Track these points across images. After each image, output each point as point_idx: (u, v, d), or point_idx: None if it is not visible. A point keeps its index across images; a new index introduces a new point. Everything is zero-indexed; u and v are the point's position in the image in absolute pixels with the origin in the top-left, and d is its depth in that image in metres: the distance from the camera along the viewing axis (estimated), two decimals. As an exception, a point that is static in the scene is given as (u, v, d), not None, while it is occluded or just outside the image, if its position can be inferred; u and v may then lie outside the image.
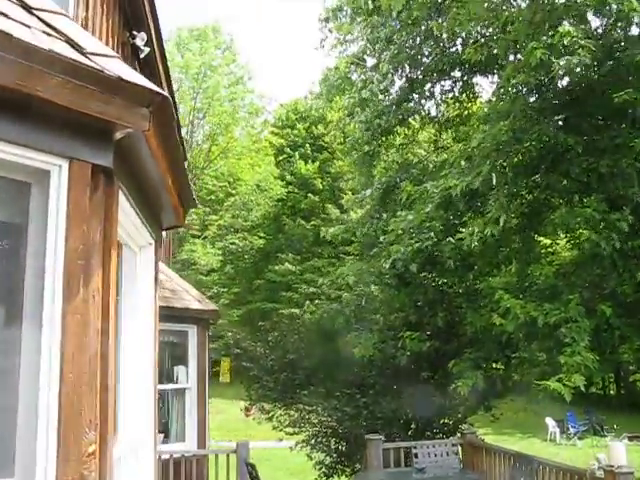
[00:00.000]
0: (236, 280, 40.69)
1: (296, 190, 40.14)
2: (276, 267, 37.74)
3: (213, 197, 42.89)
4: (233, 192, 42.10)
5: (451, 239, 9.00)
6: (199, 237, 38.87)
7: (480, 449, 7.89)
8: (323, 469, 12.73)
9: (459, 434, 9.24)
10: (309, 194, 38.80)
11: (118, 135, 2.29)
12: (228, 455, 8.07)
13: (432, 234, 8.97)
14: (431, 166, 12.59)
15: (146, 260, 3.55)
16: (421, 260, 9.43)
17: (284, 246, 39.44)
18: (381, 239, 10.97)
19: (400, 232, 9.56)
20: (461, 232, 8.99)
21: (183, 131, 42.65)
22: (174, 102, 2.84)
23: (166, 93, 2.30)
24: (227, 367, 35.54)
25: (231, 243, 39.54)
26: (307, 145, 41.43)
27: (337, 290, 11.84)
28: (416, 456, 7.69)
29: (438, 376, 11.35)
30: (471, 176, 8.40)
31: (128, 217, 2.87)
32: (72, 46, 2.17)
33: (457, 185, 8.45)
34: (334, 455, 12.67)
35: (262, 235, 40.05)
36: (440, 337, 11.10)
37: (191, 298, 8.85)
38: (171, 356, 9.18)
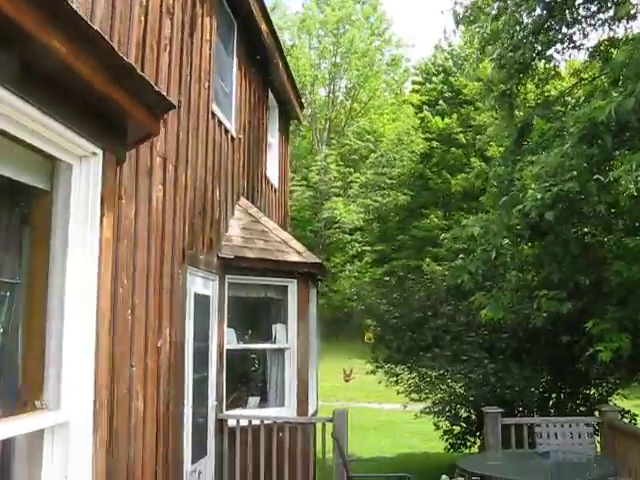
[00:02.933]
0: (381, 238, 39.90)
1: (439, 145, 38.35)
2: (421, 222, 36.42)
3: (356, 156, 42.17)
4: (375, 149, 41.10)
5: (600, 177, 7.46)
6: (342, 196, 38.28)
7: (625, 433, 6.48)
8: (451, 439, 11.70)
9: (597, 412, 7.82)
10: (452, 148, 36.90)
11: None
12: (324, 424, 7.24)
13: (575, 173, 7.44)
14: (573, 101, 10.86)
15: (87, 175, 2.68)
16: (560, 207, 7.95)
17: (429, 202, 38.01)
18: (513, 186, 9.57)
19: (534, 176, 8.14)
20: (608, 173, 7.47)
21: (324, 90, 42.30)
22: None
23: None
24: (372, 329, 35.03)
25: (374, 200, 38.65)
26: (443, 101, 39.29)
27: (462, 245, 10.55)
28: (540, 436, 6.44)
29: (582, 341, 9.82)
30: (622, 96, 6.81)
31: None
32: None
33: (604, 107, 6.88)
34: (463, 425, 11.59)
35: (406, 192, 38.80)
36: (583, 297, 9.57)
37: (290, 250, 8.03)
38: (268, 313, 8.46)
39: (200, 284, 6.67)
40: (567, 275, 8.87)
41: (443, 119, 38.39)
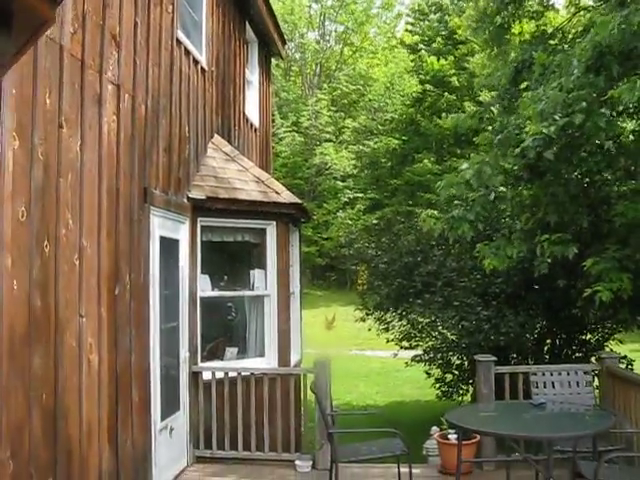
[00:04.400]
0: (373, 185, 39.24)
1: (432, 89, 37.38)
2: (413, 167, 35.70)
3: (346, 100, 41.15)
4: (367, 93, 40.08)
5: (605, 111, 6.86)
6: (333, 142, 37.40)
7: (625, 380, 6.04)
8: (442, 388, 11.34)
9: (594, 358, 7.37)
10: (445, 92, 35.94)
11: None
12: (305, 375, 6.80)
13: (584, 104, 6.82)
14: (573, 32, 10.17)
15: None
16: (560, 143, 7.35)
17: (421, 147, 37.23)
18: (509, 125, 8.95)
19: (537, 113, 7.52)
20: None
21: (314, 34, 41.11)
22: None
23: None
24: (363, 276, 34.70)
25: (366, 146, 37.84)
26: (439, 39, 38.21)
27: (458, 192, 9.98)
28: (535, 385, 5.99)
29: (579, 284, 9.36)
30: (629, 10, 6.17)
31: None
32: None
33: (607, 23, 6.24)
34: (455, 372, 11.22)
35: (398, 137, 37.98)
36: (582, 239, 9.07)
37: (268, 190, 7.46)
38: (246, 258, 7.93)
39: (167, 227, 6.12)
40: (567, 217, 8.32)
41: (439, 60, 37.35)
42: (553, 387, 6.03)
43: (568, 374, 6.09)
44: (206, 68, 7.58)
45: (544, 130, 7.06)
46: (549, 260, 7.89)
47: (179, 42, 6.61)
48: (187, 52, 6.90)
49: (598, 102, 7.08)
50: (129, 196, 5.21)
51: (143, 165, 5.53)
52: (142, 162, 5.51)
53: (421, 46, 39.23)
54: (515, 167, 7.74)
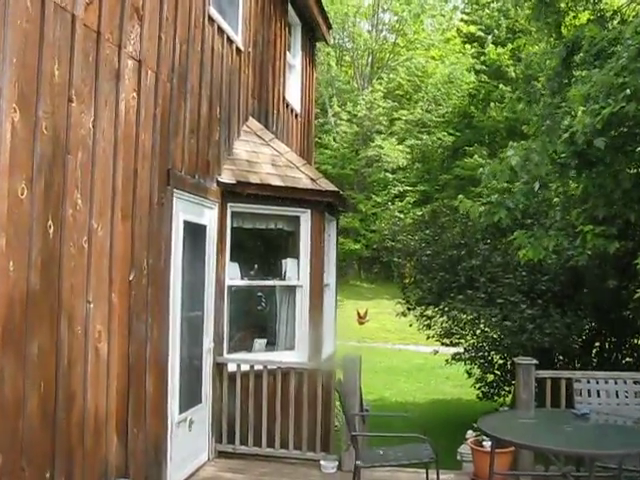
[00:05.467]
0: (423, 178, 38.58)
1: (487, 79, 36.44)
2: (464, 161, 34.90)
3: (401, 92, 40.54)
4: (422, 85, 39.37)
5: None
6: (385, 133, 36.85)
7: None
8: (483, 388, 10.91)
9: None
10: (500, 84, 35.00)
11: None
12: (335, 371, 6.48)
13: (629, 91, 6.31)
14: (633, 15, 9.54)
15: None
16: (612, 132, 6.85)
17: (473, 141, 36.37)
18: (559, 109, 8.45)
19: (581, 97, 7.02)
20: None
21: (367, 24, 40.46)
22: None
23: None
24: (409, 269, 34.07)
25: (419, 139, 37.17)
26: (501, 27, 37.18)
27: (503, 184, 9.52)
28: (579, 393, 5.54)
29: (631, 285, 8.80)
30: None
31: None
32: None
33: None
34: (497, 373, 10.77)
35: (451, 132, 37.21)
36: (634, 236, 8.53)
37: (302, 176, 7.15)
38: (278, 247, 7.64)
39: (192, 211, 5.87)
40: (616, 211, 7.78)
41: (496, 48, 36.40)
42: (598, 396, 5.57)
43: (616, 382, 5.62)
44: (242, 48, 7.30)
45: (587, 120, 6.58)
46: (589, 252, 7.41)
47: (212, 20, 6.34)
48: (221, 31, 6.63)
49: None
50: (149, 178, 4.96)
51: (166, 146, 5.28)
52: (165, 143, 5.25)
53: (480, 34, 38.22)
54: (563, 154, 7.23)
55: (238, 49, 7.18)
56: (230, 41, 6.92)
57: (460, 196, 8.07)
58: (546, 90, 9.91)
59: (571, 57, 9.90)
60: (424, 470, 5.42)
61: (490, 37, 37.63)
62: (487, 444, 5.86)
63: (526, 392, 5.88)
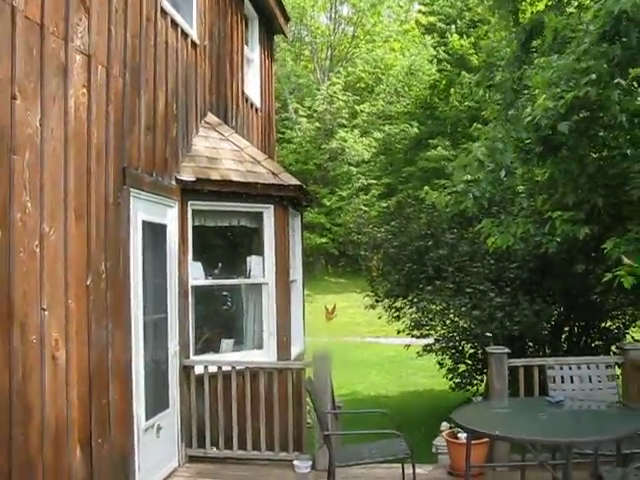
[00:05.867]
0: (388, 171, 38.62)
1: (450, 68, 36.59)
2: (427, 153, 35.01)
3: (362, 84, 40.51)
4: (383, 78, 39.37)
5: (621, 81, 6.30)
6: (348, 126, 36.75)
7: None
8: (455, 379, 10.86)
9: (616, 349, 6.82)
10: (463, 72, 35.16)
11: None
12: (304, 369, 6.34)
13: (594, 75, 6.27)
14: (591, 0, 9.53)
15: None
16: (575, 117, 6.80)
17: (436, 132, 36.52)
18: (521, 95, 8.41)
19: (545, 83, 6.97)
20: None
21: (325, 18, 40.31)
22: None
23: None
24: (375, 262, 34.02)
25: (382, 132, 37.16)
26: (462, 17, 37.37)
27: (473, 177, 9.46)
28: (552, 380, 5.49)
29: (598, 269, 8.82)
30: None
31: None
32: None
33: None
34: (468, 362, 10.74)
35: (414, 124, 37.29)
36: (599, 221, 8.52)
37: (264, 171, 6.99)
38: (242, 245, 7.48)
39: (152, 211, 5.68)
40: (583, 196, 7.76)
41: (460, 38, 36.59)
42: (572, 382, 5.51)
43: (589, 367, 5.57)
44: (197, 42, 7.11)
45: (550, 104, 6.54)
46: (559, 239, 7.37)
47: (164, 12, 6.14)
48: (175, 24, 6.42)
49: (612, 74, 6.54)
50: (104, 177, 4.76)
51: (121, 144, 5.07)
52: (120, 140, 5.05)
53: (440, 25, 38.35)
54: (528, 140, 7.18)
55: (194, 43, 6.98)
56: (185, 35, 6.73)
57: (426, 187, 8.01)
58: (505, 75, 9.89)
59: (530, 42, 9.92)
60: (400, 465, 5.31)
61: (452, 27, 37.80)
62: (462, 436, 5.78)
63: (499, 381, 5.81)
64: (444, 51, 37.51)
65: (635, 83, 7.16)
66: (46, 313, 3.90)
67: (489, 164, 7.83)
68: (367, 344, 21.09)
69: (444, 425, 6.61)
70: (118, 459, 4.85)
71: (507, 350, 5.95)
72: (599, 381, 5.53)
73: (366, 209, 31.14)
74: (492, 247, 7.25)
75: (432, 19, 39.56)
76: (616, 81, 6.17)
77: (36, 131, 3.89)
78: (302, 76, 39.73)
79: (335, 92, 35.89)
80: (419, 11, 41.83)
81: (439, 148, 34.97)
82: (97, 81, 4.70)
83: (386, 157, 39.10)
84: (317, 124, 35.82)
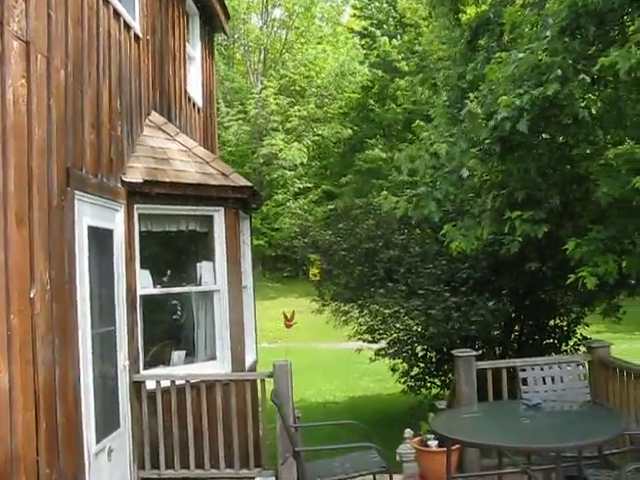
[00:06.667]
0: (323, 175, 38.49)
1: (381, 74, 36.78)
2: (365, 153, 35.01)
3: (296, 87, 40.25)
4: (315, 80, 39.23)
5: (585, 77, 6.21)
6: (280, 130, 36.40)
7: (617, 371, 5.42)
8: (409, 382, 10.69)
9: (583, 347, 6.75)
10: (396, 78, 35.39)
11: None
12: (263, 381, 5.99)
13: (559, 72, 6.15)
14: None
15: None
16: (533, 115, 6.68)
17: (371, 134, 36.61)
18: (470, 93, 8.28)
19: (505, 79, 6.84)
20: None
21: (257, 19, 39.97)
22: None
23: None
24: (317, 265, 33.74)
25: (316, 134, 36.99)
26: (391, 20, 37.66)
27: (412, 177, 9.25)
28: (524, 382, 5.32)
29: (547, 267, 8.79)
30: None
31: None
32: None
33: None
34: (421, 365, 10.58)
35: (349, 125, 37.28)
36: (552, 219, 8.48)
37: (214, 172, 6.62)
38: (191, 250, 7.08)
39: (96, 215, 5.23)
40: (539, 195, 7.67)
41: (390, 41, 36.81)
42: (544, 383, 5.36)
43: (560, 367, 5.43)
44: (140, 35, 6.68)
45: (516, 102, 6.42)
46: (520, 239, 7.25)
47: (106, 1, 5.70)
48: (117, 14, 5.99)
49: (573, 69, 6.47)
50: (46, 178, 4.31)
51: (64, 141, 4.63)
52: (63, 138, 4.60)
53: (371, 29, 38.55)
54: (487, 141, 7.03)
55: (137, 36, 6.56)
56: (128, 27, 6.30)
57: (384, 192, 7.79)
58: (452, 73, 9.79)
59: (476, 40, 9.84)
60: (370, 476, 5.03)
61: (379, 32, 38.02)
62: (433, 444, 5.56)
63: (468, 386, 5.61)
64: (375, 56, 37.68)
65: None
66: (-14, 331, 3.45)
67: (446, 163, 7.66)
68: (310, 349, 20.79)
69: (408, 432, 6.39)
70: (68, 489, 4.39)
71: (474, 352, 5.77)
72: (570, 380, 5.38)
73: (302, 213, 30.92)
74: (455, 251, 7.05)
75: (365, 23, 39.70)
76: (581, 77, 6.08)
77: (-30, 125, 3.44)
78: (234, 80, 39.18)
79: (268, 95, 35.52)
80: (352, 15, 41.91)
81: (376, 150, 35.06)
82: (37, 71, 4.25)
83: (320, 161, 38.96)
84: (248, 128, 35.32)
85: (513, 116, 6.36)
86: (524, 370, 5.41)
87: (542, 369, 5.42)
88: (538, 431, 4.28)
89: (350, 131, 36.84)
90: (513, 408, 4.96)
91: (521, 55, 6.58)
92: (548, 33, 6.49)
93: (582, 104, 6.48)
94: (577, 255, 6.42)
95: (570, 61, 6.37)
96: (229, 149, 34.71)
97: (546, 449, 4.03)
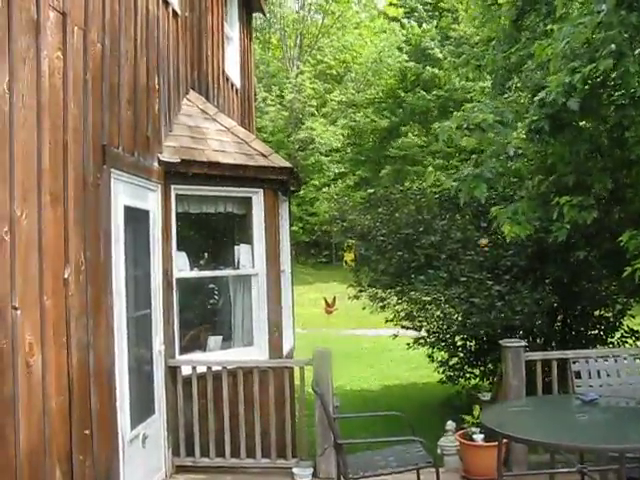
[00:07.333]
0: (359, 160, 38.11)
1: (415, 62, 36.18)
2: (399, 140, 34.55)
3: (334, 72, 39.89)
4: (352, 66, 38.83)
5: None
6: (316, 115, 36.11)
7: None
8: (447, 371, 10.43)
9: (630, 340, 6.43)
10: (427, 67, 34.76)
11: None
12: (302, 368, 5.81)
13: (614, 46, 5.80)
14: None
15: None
16: (584, 94, 6.32)
17: (406, 121, 36.10)
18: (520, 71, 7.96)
19: (555, 55, 6.50)
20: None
21: (292, 1, 39.52)
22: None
23: None
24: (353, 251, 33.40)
25: (353, 121, 36.62)
26: (425, 6, 37.02)
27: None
28: (577, 375, 5.04)
29: (592, 256, 8.44)
30: None
31: None
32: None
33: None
34: (460, 354, 10.31)
35: (384, 114, 36.83)
36: (599, 206, 8.11)
37: (253, 152, 6.42)
38: (230, 232, 6.91)
39: (133, 194, 5.07)
40: (587, 179, 7.31)
41: (420, 26, 36.23)
42: (599, 377, 5.08)
43: (616, 361, 5.13)
44: (179, 12, 6.49)
45: (567, 79, 6.08)
46: (568, 226, 6.91)
47: (144, -26, 5.51)
48: (155, -11, 5.81)
49: (630, 44, 6.11)
50: (82, 154, 4.15)
51: (100, 117, 4.47)
52: (99, 113, 4.44)
53: (404, 20, 38.08)
54: (535, 117, 6.68)
55: (175, 12, 6.37)
56: (166, 3, 6.11)
57: (430, 168, 7.48)
58: (497, 54, 9.44)
59: (522, 19, 9.48)
60: (414, 471, 4.81)
61: (413, 17, 37.47)
62: (479, 437, 5.32)
63: (516, 378, 5.35)
64: (408, 43, 37.08)
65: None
66: (18, 313, 3.30)
67: (491, 135, 7.28)
68: (345, 336, 20.60)
69: (450, 424, 6.15)
70: (102, 475, 4.26)
71: (524, 343, 5.50)
72: (628, 375, 5.09)
73: (335, 197, 30.66)
74: (511, 235, 6.72)
75: (400, 11, 39.16)
76: (637, 52, 5.73)
77: (3, 96, 3.28)
78: (270, 64, 38.97)
79: (304, 80, 35.25)
80: (390, 3, 41.33)
81: (410, 135, 34.59)
82: (73, 44, 4.09)
83: (356, 146, 38.63)
84: (285, 113, 35.13)
85: (565, 91, 6.04)
86: (575, 362, 5.12)
87: (596, 361, 5.13)
88: (598, 429, 4.01)
89: (386, 122, 36.37)
90: (566, 403, 4.69)
91: (573, 30, 6.24)
92: (604, 7, 6.11)
93: (638, 81, 6.13)
94: (632, 247, 6.09)
95: (626, 35, 6.02)
96: (264, 135, 34.56)
97: (611, 450, 3.75)
